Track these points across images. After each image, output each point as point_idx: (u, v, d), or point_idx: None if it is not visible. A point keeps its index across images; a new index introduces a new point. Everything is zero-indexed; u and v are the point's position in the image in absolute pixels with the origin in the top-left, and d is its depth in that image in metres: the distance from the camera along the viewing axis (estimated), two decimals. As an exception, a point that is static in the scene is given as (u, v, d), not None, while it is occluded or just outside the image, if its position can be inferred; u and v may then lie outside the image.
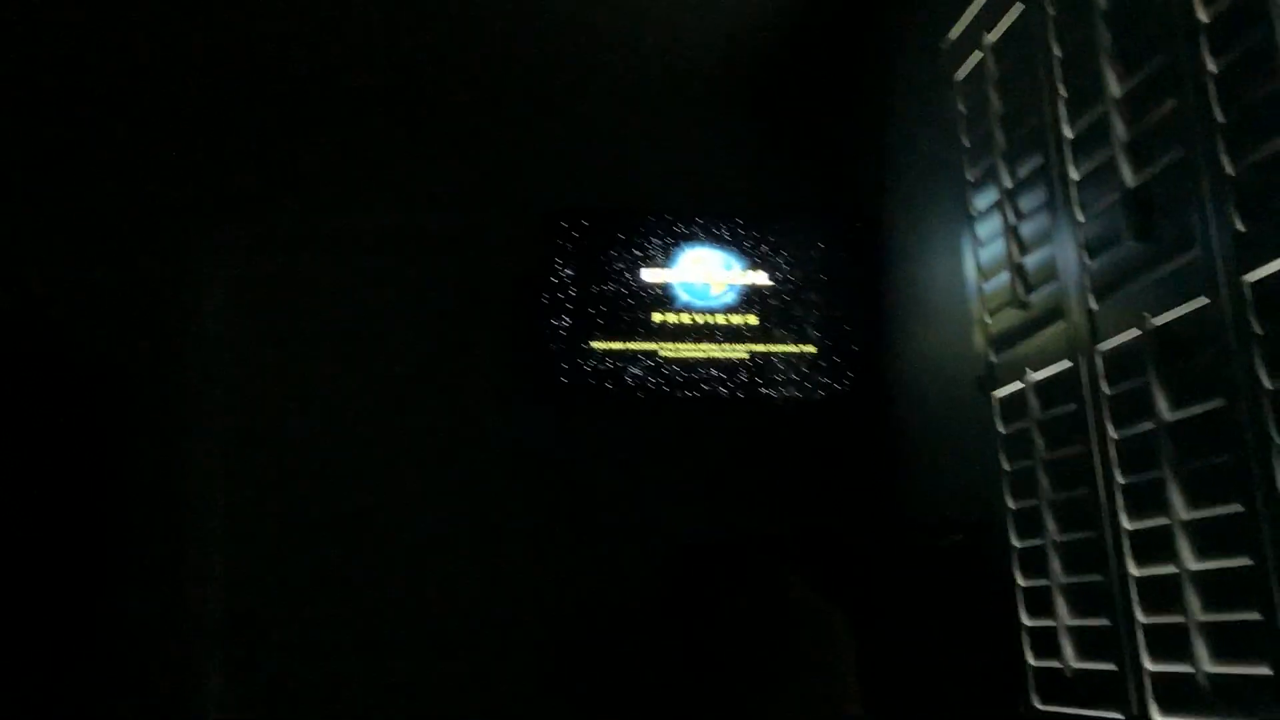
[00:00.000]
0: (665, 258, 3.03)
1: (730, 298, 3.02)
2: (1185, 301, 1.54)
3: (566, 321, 2.96)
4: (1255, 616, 1.38)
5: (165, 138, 3.22)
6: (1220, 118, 1.45)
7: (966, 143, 2.27)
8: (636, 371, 2.95)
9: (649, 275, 3.02)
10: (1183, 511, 1.55)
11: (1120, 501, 1.71)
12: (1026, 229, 2.02)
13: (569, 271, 2.99)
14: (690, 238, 3.04)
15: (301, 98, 3.26)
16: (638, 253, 3.03)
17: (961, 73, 2.29)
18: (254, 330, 3.14)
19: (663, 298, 3.00)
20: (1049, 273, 1.93)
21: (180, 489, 3.03)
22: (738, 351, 2.98)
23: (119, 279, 3.11)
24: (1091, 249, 1.80)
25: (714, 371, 2.97)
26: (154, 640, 2.92)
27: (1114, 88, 1.71)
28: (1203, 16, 1.48)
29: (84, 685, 2.83)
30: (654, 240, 3.03)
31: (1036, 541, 1.97)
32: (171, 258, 3.16)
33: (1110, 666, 1.73)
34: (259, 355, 3.13)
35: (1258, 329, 1.39)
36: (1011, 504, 2.07)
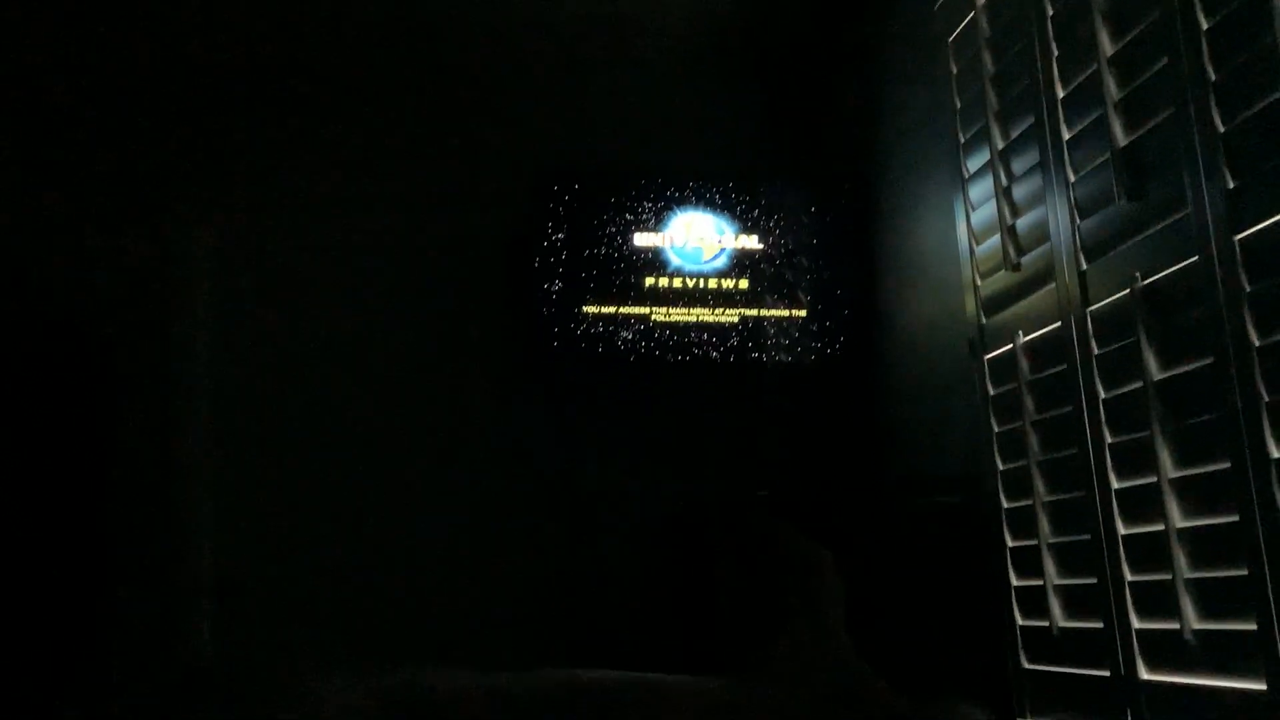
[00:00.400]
0: (657, 222, 3.02)
1: (722, 262, 3.01)
2: (1176, 261, 1.54)
3: (558, 285, 2.96)
4: (1241, 573, 1.39)
5: (153, 110, 3.19)
6: (1212, 75, 1.45)
7: (959, 104, 2.26)
8: (628, 335, 2.95)
9: (641, 239, 3.01)
10: (1171, 470, 1.55)
11: (1109, 461, 1.71)
12: (1018, 190, 2.02)
13: (561, 235, 2.98)
14: (682, 202, 3.03)
15: (287, 63, 3.23)
16: (630, 217, 3.01)
17: (954, 33, 2.28)
18: (242, 289, 3.12)
19: (654, 262, 3.00)
20: (1040, 234, 1.93)
21: (170, 478, 3.01)
22: (729, 316, 2.98)
23: (113, 265, 3.08)
24: (1083, 209, 1.80)
25: (705, 335, 2.97)
26: (145, 632, 2.91)
27: (1106, 46, 1.70)
28: (1196, -28, 1.47)
29: (71, 671, 2.83)
30: (646, 204, 3.02)
31: (1025, 502, 1.98)
32: (157, 226, 3.14)
33: (1097, 625, 1.74)
34: (248, 315, 3.12)
35: (1247, 287, 1.39)
36: (1001, 465, 2.08)
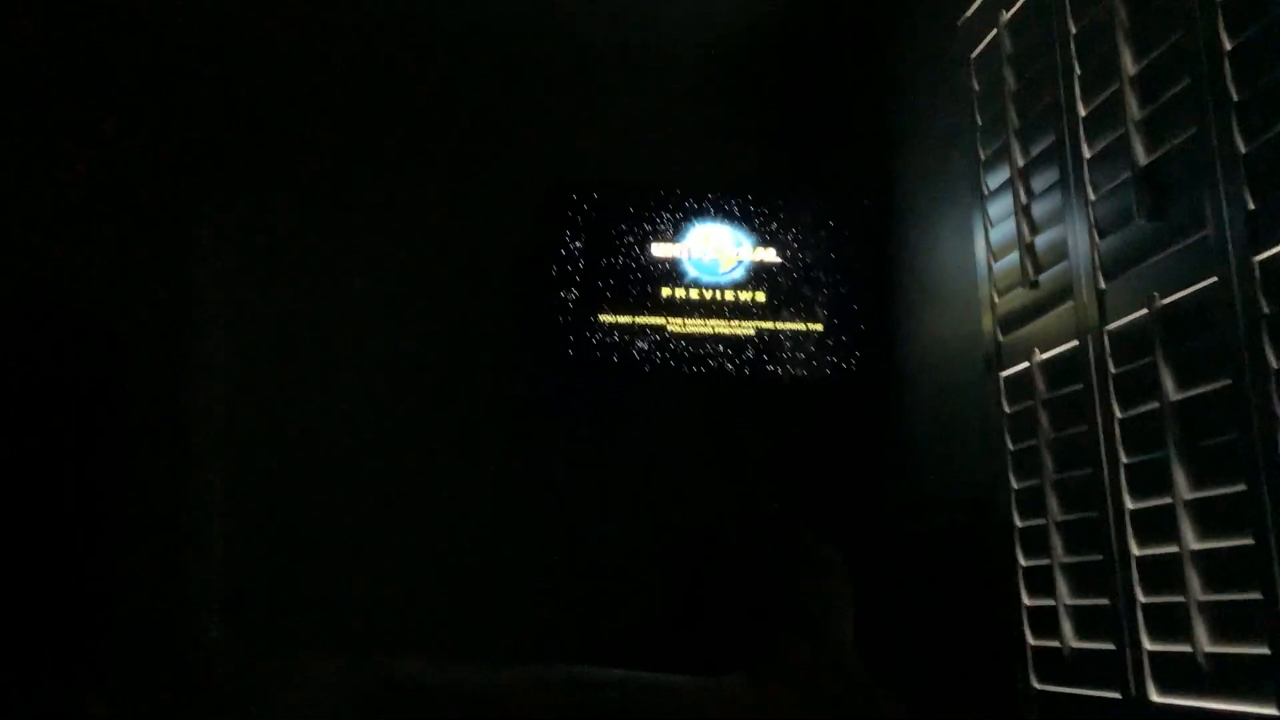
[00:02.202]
0: (675, 233, 3.02)
1: (739, 274, 3.01)
2: (1195, 281, 1.54)
3: (575, 294, 2.96)
4: (1255, 596, 1.39)
5: (163, 114, 3.20)
6: (1235, 95, 1.44)
7: (980, 121, 2.26)
8: (644, 346, 2.95)
9: (659, 250, 3.01)
10: (1186, 491, 1.54)
11: (1124, 481, 1.71)
12: (1038, 208, 2.02)
13: (578, 245, 2.99)
14: (700, 213, 3.03)
15: (299, 70, 3.25)
16: (648, 227, 3.02)
17: (977, 51, 2.28)
18: (254, 305, 3.12)
19: (672, 273, 3.00)
20: (1059, 252, 1.92)
21: (179, 476, 3.02)
22: (745, 328, 2.98)
23: (124, 273, 3.09)
24: (1102, 228, 1.79)
25: (721, 347, 2.97)
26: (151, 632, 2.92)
27: (1129, 65, 1.70)
28: (1220, -7, 1.47)
29: (80, 668, 2.84)
30: (664, 215, 3.02)
31: (1039, 521, 1.97)
32: (170, 230, 3.14)
33: (1109, 646, 1.73)
34: (259, 331, 3.12)
35: (1266, 309, 1.38)
36: (1015, 483, 2.07)
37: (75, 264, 3.10)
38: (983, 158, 2.25)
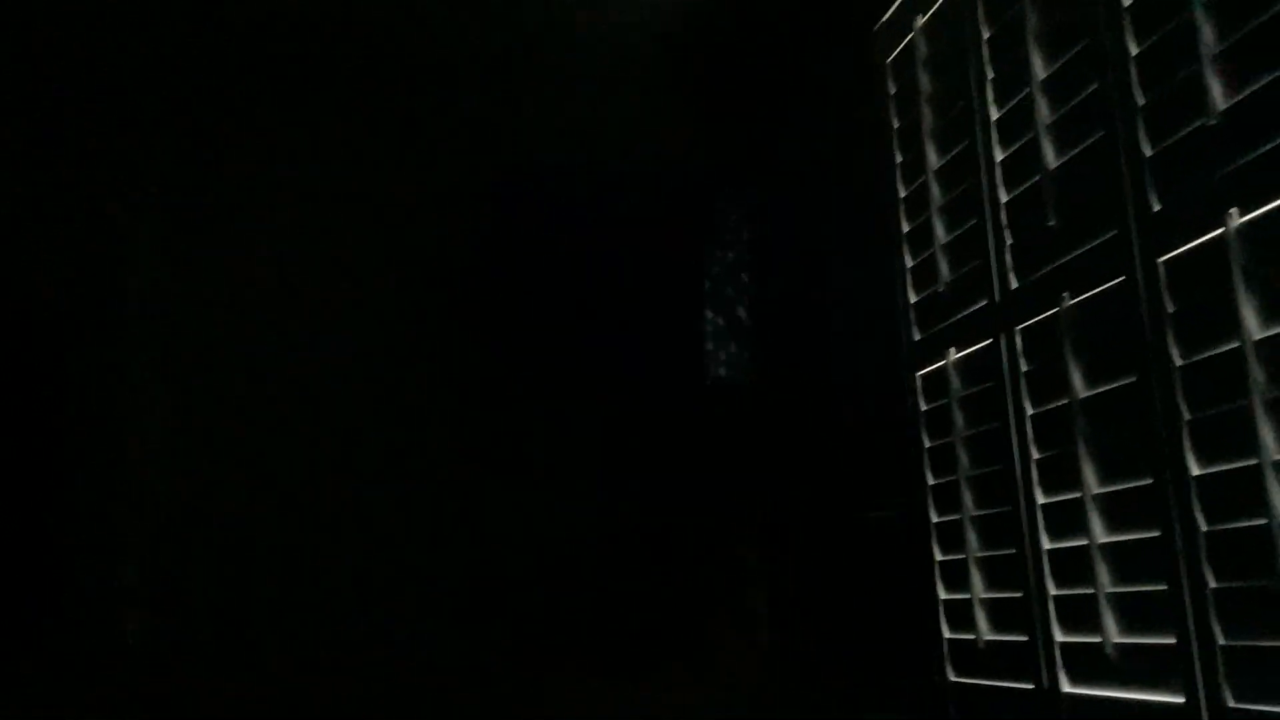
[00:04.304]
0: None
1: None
2: (1103, 281, 1.58)
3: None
4: (1161, 587, 1.42)
5: (103, 104, 3.13)
6: (1140, 100, 1.48)
7: (897, 124, 2.30)
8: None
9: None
10: (1094, 486, 1.58)
11: (1035, 476, 1.74)
12: (952, 209, 2.05)
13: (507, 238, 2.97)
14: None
15: (245, 61, 3.19)
16: (570, 227, 3.02)
17: (892, 54, 2.31)
18: (186, 302, 3.07)
19: (593, 273, 3.00)
20: (973, 253, 1.96)
21: (108, 472, 2.96)
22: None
23: (59, 261, 3.02)
24: (1014, 229, 1.83)
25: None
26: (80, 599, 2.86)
27: (1039, 69, 1.73)
28: (1126, 0, 1.51)
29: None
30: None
31: (954, 516, 2.00)
32: (103, 223, 3.08)
33: (1022, 638, 1.76)
34: (193, 327, 3.06)
35: (1170, 307, 1.42)
36: (931, 479, 2.11)
37: (4, 257, 3.02)
38: (899, 160, 2.28)
